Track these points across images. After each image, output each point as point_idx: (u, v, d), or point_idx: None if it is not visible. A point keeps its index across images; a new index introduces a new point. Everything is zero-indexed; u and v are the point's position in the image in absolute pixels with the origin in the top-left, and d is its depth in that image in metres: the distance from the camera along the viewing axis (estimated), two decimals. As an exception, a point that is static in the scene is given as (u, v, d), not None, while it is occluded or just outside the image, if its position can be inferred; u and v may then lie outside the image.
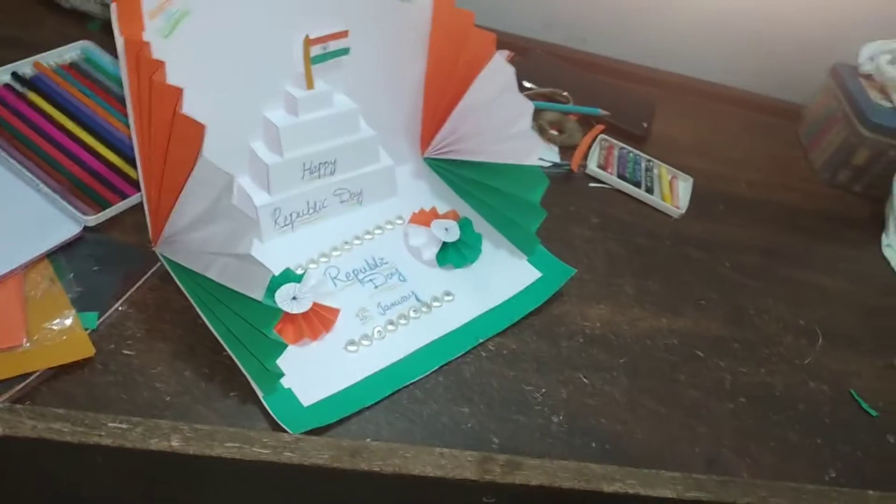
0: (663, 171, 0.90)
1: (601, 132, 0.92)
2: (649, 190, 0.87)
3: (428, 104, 0.77)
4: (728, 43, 1.05)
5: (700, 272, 0.81)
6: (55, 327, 0.56)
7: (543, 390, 0.65)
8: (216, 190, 0.53)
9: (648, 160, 0.91)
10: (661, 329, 0.73)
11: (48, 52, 0.74)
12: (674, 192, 0.88)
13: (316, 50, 0.67)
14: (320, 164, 0.70)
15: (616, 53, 1.05)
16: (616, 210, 0.85)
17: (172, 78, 0.54)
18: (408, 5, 0.71)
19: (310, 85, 0.68)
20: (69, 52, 0.75)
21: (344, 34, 0.68)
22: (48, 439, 0.50)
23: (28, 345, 0.54)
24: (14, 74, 0.71)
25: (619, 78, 1.03)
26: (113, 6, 0.53)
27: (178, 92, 0.52)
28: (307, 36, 0.66)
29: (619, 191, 0.87)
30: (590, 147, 0.90)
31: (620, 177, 0.87)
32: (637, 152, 0.91)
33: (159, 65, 0.53)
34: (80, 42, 0.77)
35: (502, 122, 0.70)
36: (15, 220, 0.61)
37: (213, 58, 0.62)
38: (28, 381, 0.53)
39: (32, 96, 0.70)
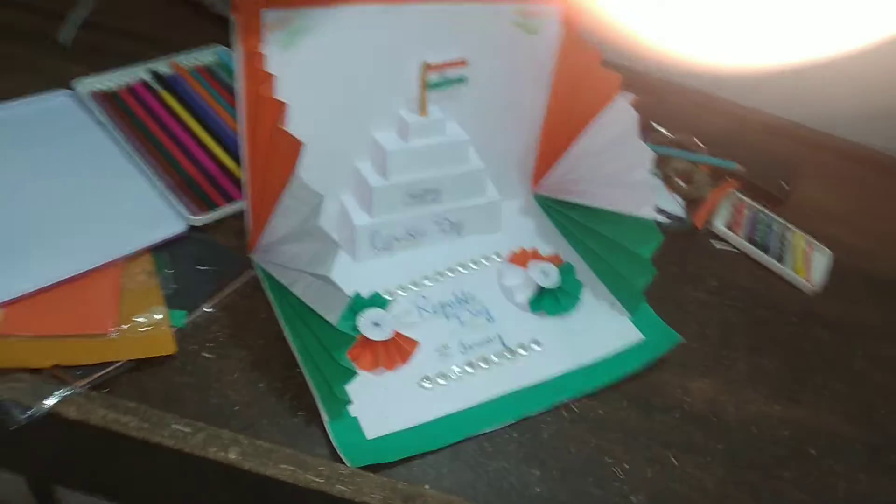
0: (799, 239, 0.82)
1: (734, 188, 0.85)
2: (780, 258, 0.79)
3: (545, 140, 0.73)
4: (885, 104, 0.94)
5: (828, 358, 0.72)
6: (144, 320, 0.57)
7: (626, 465, 0.59)
8: (308, 208, 0.52)
9: (784, 225, 0.83)
10: (772, 416, 0.66)
11: (186, 54, 0.78)
12: (809, 265, 0.80)
13: (433, 76, 0.66)
14: (424, 191, 0.68)
15: (760, 104, 0.97)
16: (739, 276, 0.78)
17: (286, 91, 0.54)
18: (533, 38, 0.68)
19: (423, 111, 0.67)
20: (206, 56, 0.79)
21: (463, 63, 0.66)
22: (115, 431, 0.51)
23: (115, 334, 0.56)
24: (152, 73, 0.75)
25: (763, 132, 0.95)
26: (233, 17, 0.54)
27: (281, 106, 0.52)
28: (425, 61, 0.64)
29: (745, 255, 0.80)
30: (718, 203, 0.83)
31: (749, 240, 0.80)
32: (771, 215, 0.83)
33: (268, 77, 0.54)
34: (217, 46, 0.80)
35: (620, 168, 0.66)
36: (127, 210, 0.63)
37: (329, 75, 0.61)
38: (109, 369, 0.54)
39: (165, 95, 0.74)
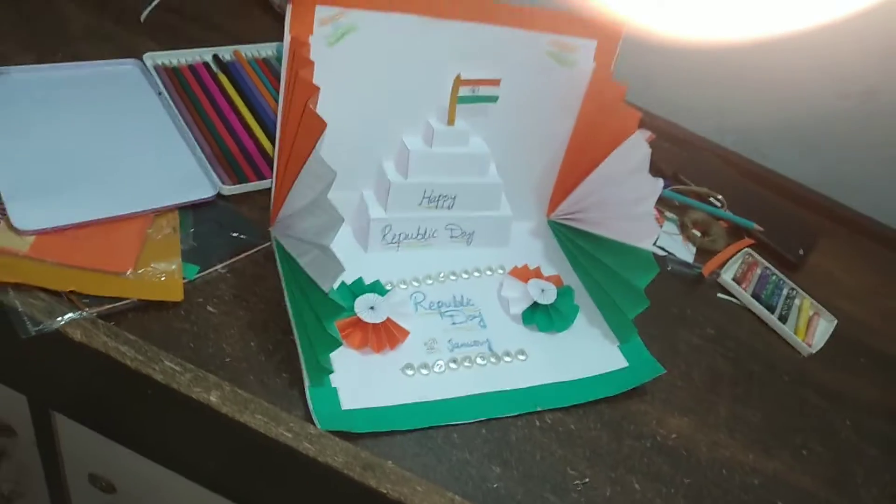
0: (806, 304, 0.82)
1: (748, 245, 0.86)
2: (783, 318, 0.80)
3: (564, 168, 0.77)
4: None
5: (813, 420, 0.72)
6: (159, 268, 0.62)
7: (587, 480, 0.61)
8: (322, 184, 0.57)
9: (793, 289, 0.84)
10: (745, 464, 0.66)
11: (248, 45, 0.84)
12: (811, 329, 0.80)
13: (465, 90, 0.70)
14: (440, 196, 0.72)
15: (791, 172, 0.98)
16: (738, 329, 0.78)
17: (327, 83, 0.59)
18: (566, 70, 0.72)
19: (451, 121, 0.71)
20: (266, 49, 0.85)
21: (496, 82, 0.71)
22: (113, 358, 0.56)
23: (131, 275, 0.61)
24: (214, 56, 0.82)
25: (787, 199, 0.97)
26: (288, 6, 0.60)
27: (314, 89, 0.57)
28: (459, 75, 0.69)
29: (748, 310, 0.81)
30: (731, 257, 0.84)
31: (755, 296, 0.81)
32: (782, 277, 0.84)
33: (309, 63, 0.59)
34: (278, 42, 0.86)
35: (627, 200, 0.69)
36: (165, 170, 0.69)
37: (368, 74, 0.67)
38: (118, 304, 0.59)
39: (222, 78, 0.80)
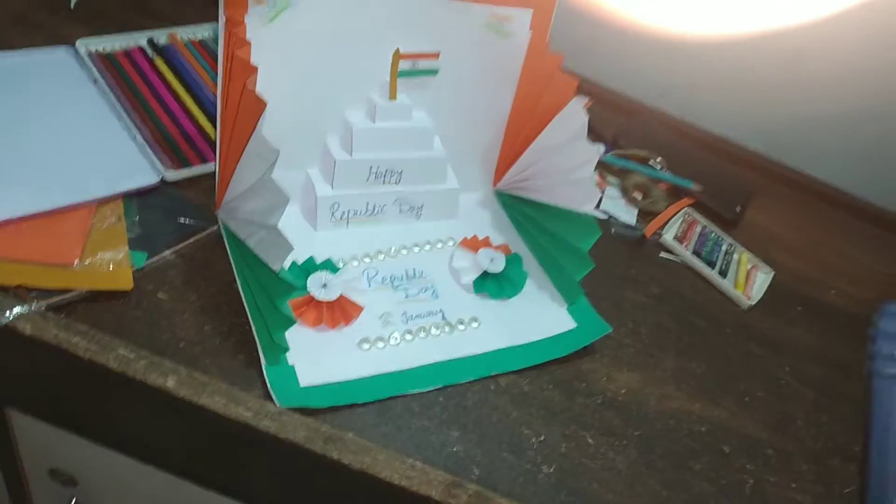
0: (744, 258, 0.86)
1: (688, 205, 0.89)
2: (723, 273, 0.83)
3: (507, 138, 0.78)
4: (851, 143, 0.99)
5: (754, 369, 0.76)
6: (107, 257, 0.62)
7: (542, 438, 0.63)
8: (266, 164, 0.57)
9: (731, 244, 0.87)
10: (692, 413, 0.69)
11: (184, 27, 0.83)
12: (749, 282, 0.84)
13: (405, 64, 0.70)
14: (387, 171, 0.73)
15: (726, 133, 1.02)
16: (680, 286, 0.82)
17: (263, 63, 0.59)
18: (504, 41, 0.73)
19: (393, 96, 0.71)
20: (202, 31, 0.84)
21: (435, 55, 0.71)
22: (65, 349, 0.56)
23: (78, 266, 0.60)
24: (150, 41, 0.80)
25: (725, 158, 1.00)
26: (221, -14, 0.60)
27: (252, 69, 0.57)
28: (398, 49, 0.69)
29: (690, 268, 0.84)
30: (672, 217, 0.87)
31: (695, 253, 0.84)
32: (721, 234, 0.88)
33: (245, 43, 0.59)
34: (214, 23, 0.85)
35: (568, 167, 0.71)
36: (106, 158, 0.68)
37: (307, 52, 0.67)
38: (68, 296, 0.59)
39: (159, 62, 0.79)
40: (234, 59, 0.58)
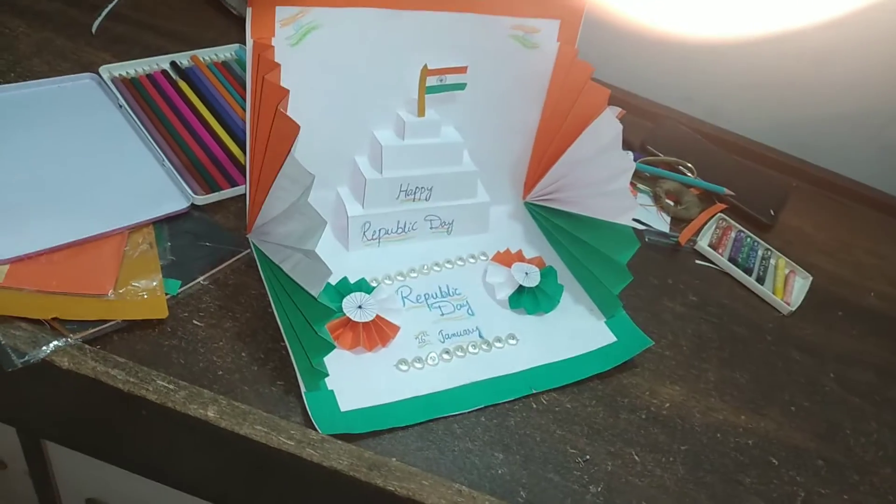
0: (781, 263, 0.84)
1: (721, 211, 0.87)
2: (760, 280, 0.81)
3: (537, 150, 0.77)
4: (880, 142, 0.97)
5: (798, 377, 0.74)
6: (140, 286, 0.61)
7: (588, 457, 0.62)
8: (300, 188, 0.56)
9: (767, 249, 0.85)
10: (737, 426, 0.68)
11: (206, 49, 0.83)
12: (788, 288, 0.82)
13: (432, 80, 0.70)
14: (417, 188, 0.72)
15: (755, 135, 1.00)
16: (719, 293, 0.80)
17: (292, 84, 0.58)
18: (531, 52, 0.72)
19: (421, 112, 0.71)
20: (224, 52, 0.83)
21: (463, 70, 0.70)
22: (103, 382, 0.55)
23: (112, 296, 0.60)
24: (172, 63, 0.80)
25: (755, 161, 0.98)
26: (248, 10, 0.59)
27: (283, 92, 0.56)
28: (426, 65, 0.68)
29: (727, 274, 0.82)
30: (705, 224, 0.85)
31: (731, 260, 0.82)
32: (756, 239, 0.86)
33: (275, 66, 0.58)
34: (236, 44, 0.84)
35: (602, 178, 0.69)
36: (136, 185, 0.68)
37: (334, 71, 0.66)
38: (103, 326, 0.58)
39: (182, 85, 0.78)
40: (265, 83, 0.57)
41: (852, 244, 0.92)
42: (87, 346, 0.56)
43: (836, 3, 0.90)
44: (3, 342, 0.54)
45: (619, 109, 0.68)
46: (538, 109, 0.75)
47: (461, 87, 0.71)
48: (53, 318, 0.57)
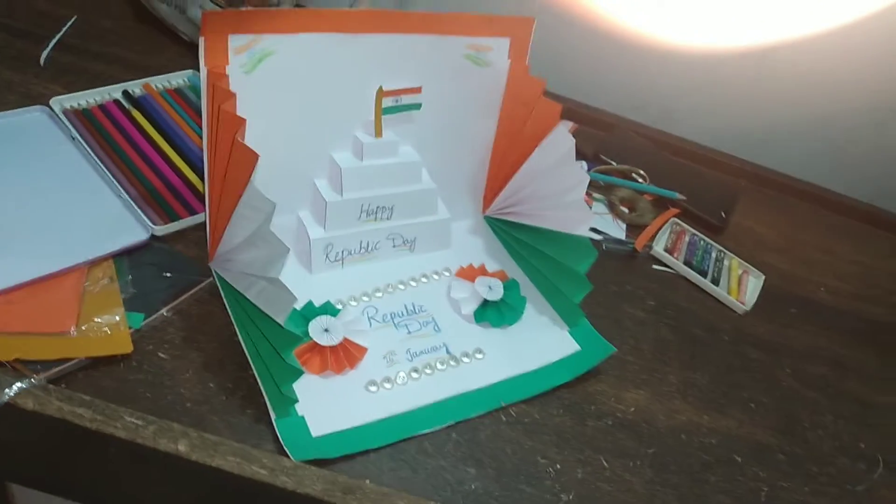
0: (734, 264, 0.87)
1: (675, 216, 0.90)
2: (715, 281, 0.84)
3: (493, 165, 0.78)
4: (825, 141, 1.01)
5: (756, 374, 0.77)
6: (103, 321, 0.60)
7: (558, 466, 0.63)
8: (261, 216, 0.56)
9: (720, 251, 0.88)
10: (701, 426, 0.70)
11: (158, 76, 0.82)
12: (742, 288, 0.85)
13: (388, 101, 0.70)
14: (378, 207, 0.72)
15: (704, 139, 1.03)
16: (676, 296, 0.82)
17: (248, 111, 0.58)
18: (483, 70, 0.73)
19: (378, 133, 0.71)
20: (176, 78, 0.83)
21: (417, 90, 0.71)
22: (70, 421, 0.54)
23: (75, 333, 0.59)
24: (125, 92, 0.79)
25: (705, 165, 1.01)
26: (201, 39, 0.59)
27: (240, 121, 0.56)
28: (381, 87, 0.69)
29: (683, 278, 0.85)
30: (660, 229, 0.88)
31: (687, 263, 0.85)
32: (709, 241, 0.89)
33: (230, 95, 0.58)
34: (188, 71, 0.84)
35: (558, 190, 0.71)
36: (92, 218, 0.67)
37: (290, 97, 0.66)
38: (67, 365, 0.57)
39: (136, 114, 0.78)
40: (221, 113, 0.57)
41: (801, 241, 0.96)
42: (51, 385, 0.55)
43: (778, 4, 0.93)
44: (-37, 387, 0.53)
45: (572, 123, 0.70)
46: (493, 125, 0.77)
47: (417, 107, 0.72)
48: (15, 359, 0.56)
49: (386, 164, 0.72)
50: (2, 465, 0.65)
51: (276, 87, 0.65)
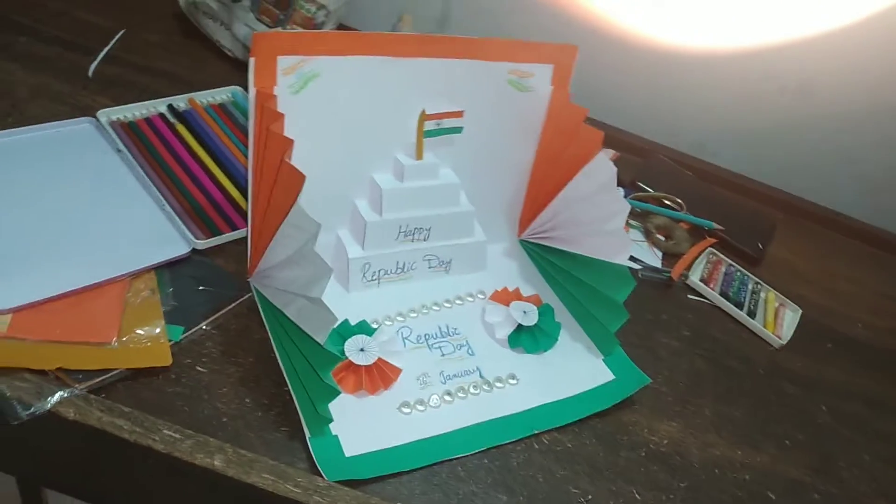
0: (771, 296, 0.86)
1: (711, 245, 0.89)
2: (751, 314, 0.83)
3: (531, 189, 0.78)
4: (863, 174, 1.00)
5: (791, 410, 0.76)
6: (143, 333, 0.61)
7: (590, 496, 0.62)
8: (306, 235, 0.57)
9: (757, 283, 0.87)
10: (734, 461, 0.69)
11: (203, 92, 0.84)
12: (778, 321, 0.84)
13: (430, 125, 0.71)
14: (415, 229, 0.73)
15: (741, 169, 1.02)
16: (711, 327, 0.81)
17: (295, 130, 0.59)
18: (525, 95, 0.74)
19: (419, 156, 0.72)
20: (221, 94, 0.84)
21: (459, 114, 0.72)
22: (109, 432, 0.55)
23: (116, 344, 0.60)
24: (170, 107, 0.81)
25: (743, 194, 1.00)
26: (251, 60, 0.60)
27: (288, 143, 0.57)
28: (423, 110, 0.70)
29: (718, 308, 0.84)
30: (696, 258, 0.87)
31: (723, 294, 0.84)
32: (746, 273, 0.88)
33: (279, 116, 0.59)
34: (233, 87, 0.85)
35: (598, 218, 0.71)
36: (136, 231, 0.68)
37: (335, 118, 0.67)
38: (107, 376, 0.58)
39: (180, 128, 0.79)
40: (270, 134, 0.58)
41: (837, 275, 0.95)
42: (91, 395, 0.56)
43: (817, 37, 0.93)
44: (8, 394, 0.54)
45: (613, 152, 0.70)
46: (532, 150, 0.77)
47: (458, 130, 0.73)
48: (58, 368, 0.57)
49: (425, 186, 0.72)
50: (39, 471, 0.66)
51: (321, 108, 0.66)
